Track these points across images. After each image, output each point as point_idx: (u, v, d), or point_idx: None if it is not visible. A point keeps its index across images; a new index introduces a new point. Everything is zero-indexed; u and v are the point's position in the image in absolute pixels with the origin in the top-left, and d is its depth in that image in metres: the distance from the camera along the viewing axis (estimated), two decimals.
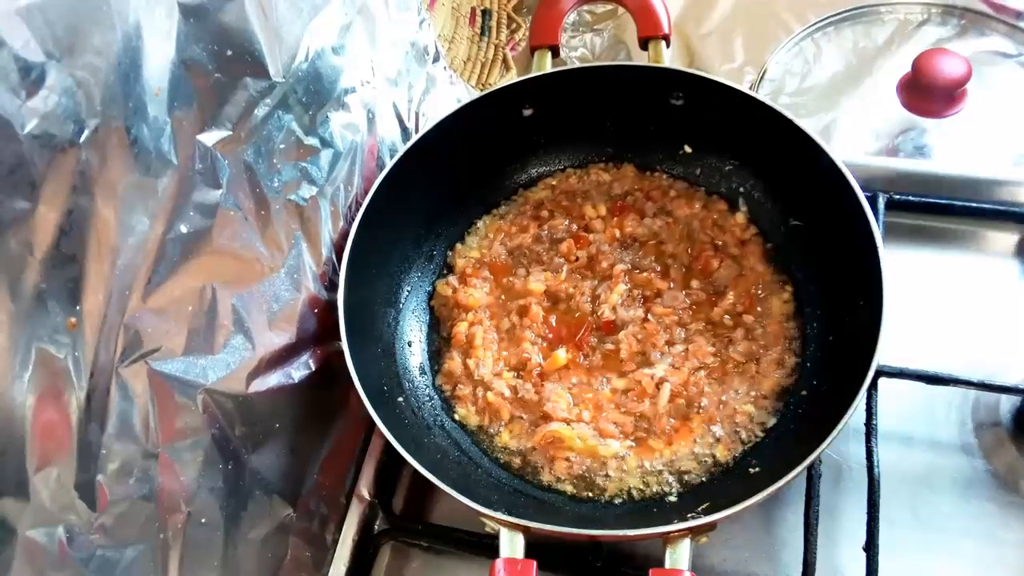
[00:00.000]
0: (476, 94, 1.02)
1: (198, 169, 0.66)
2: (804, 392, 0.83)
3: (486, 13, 1.25)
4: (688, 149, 0.99)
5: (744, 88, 0.89)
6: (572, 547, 0.80)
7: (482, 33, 1.25)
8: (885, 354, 0.72)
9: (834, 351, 0.83)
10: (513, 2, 1.29)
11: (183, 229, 0.65)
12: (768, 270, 0.91)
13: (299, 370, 0.79)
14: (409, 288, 0.96)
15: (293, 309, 0.78)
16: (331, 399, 0.85)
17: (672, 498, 0.79)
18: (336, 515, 0.86)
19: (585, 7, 1.22)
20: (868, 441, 0.79)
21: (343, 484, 0.87)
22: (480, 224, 1.01)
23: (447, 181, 0.97)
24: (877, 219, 0.88)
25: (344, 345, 0.78)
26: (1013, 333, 0.89)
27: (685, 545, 0.67)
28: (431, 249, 0.99)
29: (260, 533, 0.76)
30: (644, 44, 0.95)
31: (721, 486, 0.79)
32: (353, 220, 0.85)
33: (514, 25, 1.28)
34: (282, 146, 0.76)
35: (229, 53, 0.68)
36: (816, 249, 0.89)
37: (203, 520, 0.69)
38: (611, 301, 0.90)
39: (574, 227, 0.98)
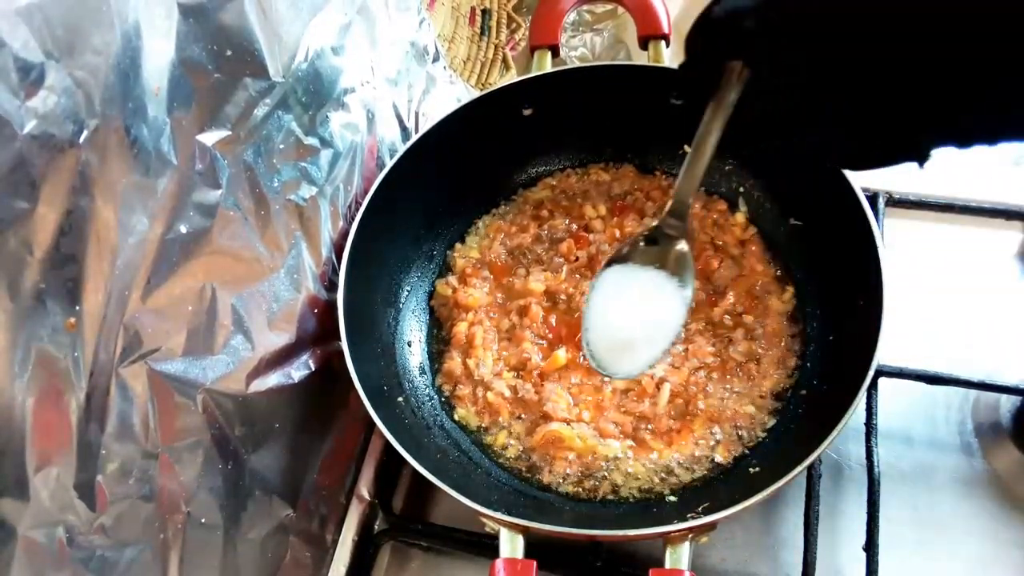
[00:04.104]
0: (476, 94, 1.02)
1: (198, 169, 0.66)
2: (804, 392, 0.83)
3: (486, 13, 1.25)
4: (688, 149, 0.99)
5: None
6: (572, 547, 0.80)
7: (482, 33, 1.25)
8: (885, 354, 0.72)
9: (834, 351, 0.83)
10: (513, 2, 1.29)
11: (183, 229, 0.65)
12: (768, 270, 0.91)
13: (299, 370, 0.79)
14: (409, 288, 0.96)
15: (293, 309, 0.78)
16: (331, 399, 0.85)
17: (672, 498, 0.79)
18: (336, 515, 0.86)
19: (585, 7, 1.21)
20: (868, 441, 0.79)
21: (343, 484, 0.87)
22: (480, 224, 1.01)
23: (447, 181, 0.97)
24: (877, 219, 0.88)
25: (344, 345, 0.78)
26: (1013, 333, 0.89)
27: (685, 545, 0.67)
28: (431, 249, 0.99)
29: (260, 533, 0.76)
30: (644, 44, 0.95)
31: (721, 486, 0.79)
32: (353, 220, 0.85)
33: (514, 25, 1.28)
34: (282, 146, 0.76)
35: (229, 53, 0.68)
36: (816, 249, 0.89)
37: (203, 520, 0.69)
38: None
39: (574, 227, 0.98)
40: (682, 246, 0.67)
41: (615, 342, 0.70)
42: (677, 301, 0.67)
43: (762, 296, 0.89)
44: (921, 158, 0.51)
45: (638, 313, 0.68)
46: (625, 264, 0.69)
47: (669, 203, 0.68)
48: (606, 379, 0.85)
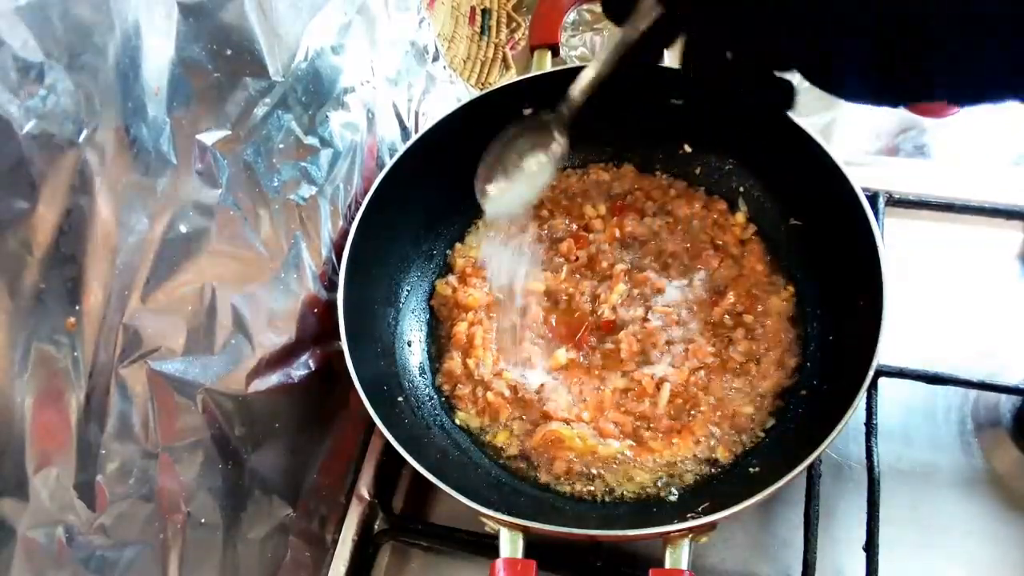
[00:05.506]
0: (476, 93, 1.02)
1: (197, 169, 0.66)
2: (804, 392, 0.83)
3: (486, 12, 1.25)
4: (688, 149, 0.99)
5: None
6: (572, 547, 0.80)
7: (482, 32, 1.25)
8: (885, 354, 0.72)
9: (834, 351, 0.83)
10: (513, 1, 1.29)
11: (183, 229, 0.65)
12: (768, 270, 0.91)
13: (299, 370, 0.79)
14: (409, 288, 0.96)
15: (293, 309, 0.78)
16: (331, 399, 0.85)
17: (672, 498, 0.79)
18: (336, 515, 0.86)
19: (585, 6, 1.21)
20: (868, 441, 0.79)
21: (343, 484, 0.87)
22: (480, 224, 1.01)
23: (447, 180, 0.97)
24: (877, 219, 0.88)
25: (344, 345, 0.78)
26: (1013, 333, 0.89)
27: (685, 545, 0.67)
28: (431, 248, 0.99)
29: (260, 533, 0.76)
30: None
31: (721, 486, 0.79)
32: (353, 220, 0.85)
33: (514, 24, 1.28)
34: (281, 146, 0.76)
35: (228, 52, 0.68)
36: (816, 249, 0.89)
37: (203, 520, 0.69)
38: (611, 301, 0.90)
39: (574, 227, 0.98)
40: (560, 137, 0.82)
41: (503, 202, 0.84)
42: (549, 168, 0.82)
43: (762, 296, 0.89)
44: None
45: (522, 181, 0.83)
46: (515, 142, 0.83)
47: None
48: (606, 378, 0.86)
